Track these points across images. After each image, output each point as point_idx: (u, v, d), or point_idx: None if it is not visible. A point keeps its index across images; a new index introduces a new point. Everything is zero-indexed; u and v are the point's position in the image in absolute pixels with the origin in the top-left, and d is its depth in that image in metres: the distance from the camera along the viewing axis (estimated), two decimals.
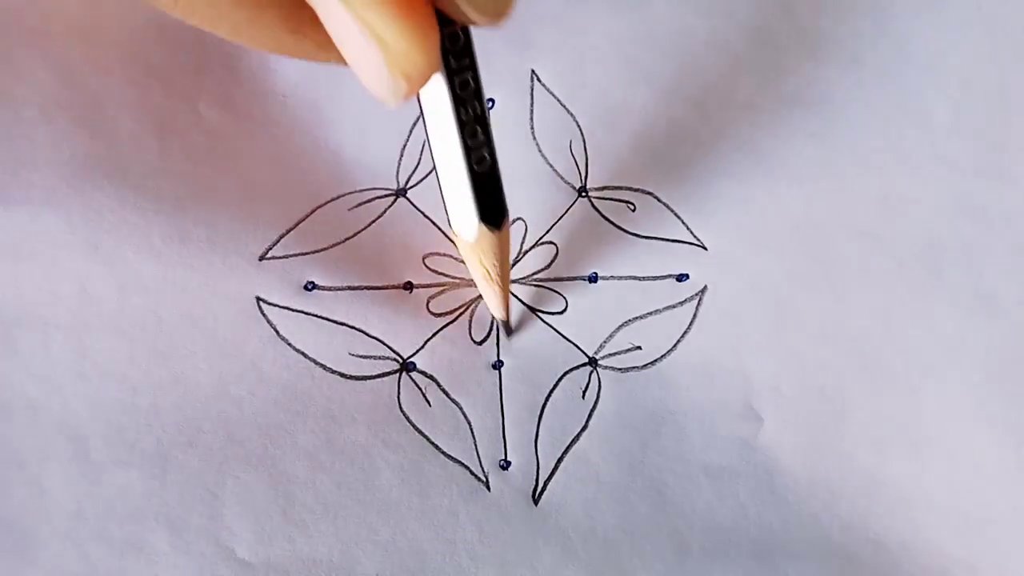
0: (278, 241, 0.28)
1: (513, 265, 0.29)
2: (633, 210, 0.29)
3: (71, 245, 0.27)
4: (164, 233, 0.27)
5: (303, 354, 0.27)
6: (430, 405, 0.27)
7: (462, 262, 0.29)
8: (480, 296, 0.28)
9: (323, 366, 0.27)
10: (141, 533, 0.25)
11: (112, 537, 0.25)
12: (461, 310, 0.29)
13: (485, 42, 0.30)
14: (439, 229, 0.29)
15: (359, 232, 0.29)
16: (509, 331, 0.28)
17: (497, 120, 0.30)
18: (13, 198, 0.27)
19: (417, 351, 0.28)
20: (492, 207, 0.23)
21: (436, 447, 0.27)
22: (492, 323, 0.29)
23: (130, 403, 0.26)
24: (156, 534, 0.25)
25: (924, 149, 0.30)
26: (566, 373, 0.28)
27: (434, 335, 0.28)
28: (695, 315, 0.29)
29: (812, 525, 0.27)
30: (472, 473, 0.27)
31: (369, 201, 0.29)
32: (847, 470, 0.27)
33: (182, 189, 0.28)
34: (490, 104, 0.30)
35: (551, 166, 0.30)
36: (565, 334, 0.28)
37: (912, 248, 0.29)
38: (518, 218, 0.29)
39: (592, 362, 0.28)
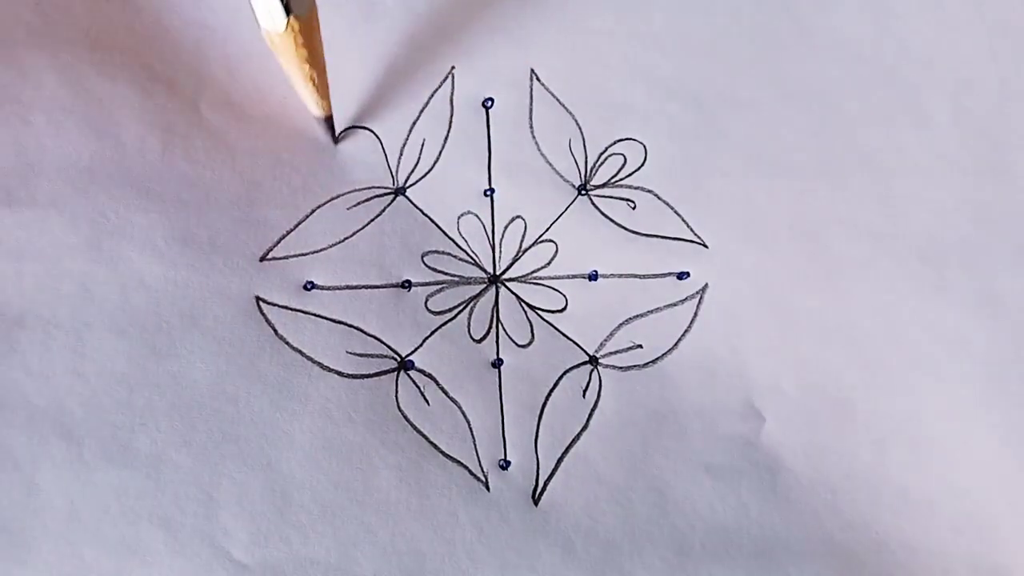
0: (279, 242, 0.27)
1: (513, 263, 0.28)
2: (633, 208, 0.28)
3: (74, 246, 0.26)
4: (166, 234, 0.26)
5: (301, 352, 0.26)
6: (428, 404, 0.26)
7: (462, 260, 0.27)
8: (480, 293, 0.27)
9: (321, 364, 0.26)
10: (136, 534, 0.24)
11: (106, 538, 0.24)
12: (460, 308, 0.27)
13: (485, 41, 0.29)
14: (438, 227, 0.28)
15: (358, 231, 0.27)
16: (334, 133, 0.27)
17: (497, 119, 0.28)
18: (18, 199, 0.26)
19: (415, 349, 0.27)
20: None
21: (435, 446, 0.26)
22: (492, 321, 0.27)
23: (126, 402, 0.25)
24: (151, 535, 0.24)
25: (924, 148, 0.28)
26: (566, 372, 0.27)
27: (432, 333, 0.27)
28: (696, 313, 0.27)
29: (814, 524, 0.25)
30: (471, 473, 0.26)
31: (368, 200, 0.28)
32: (849, 469, 0.26)
33: (184, 190, 0.27)
34: (490, 103, 0.29)
35: (551, 165, 0.28)
36: (565, 332, 0.27)
37: (912, 246, 0.28)
38: (517, 216, 0.28)
39: (593, 361, 0.27)
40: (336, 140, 0.28)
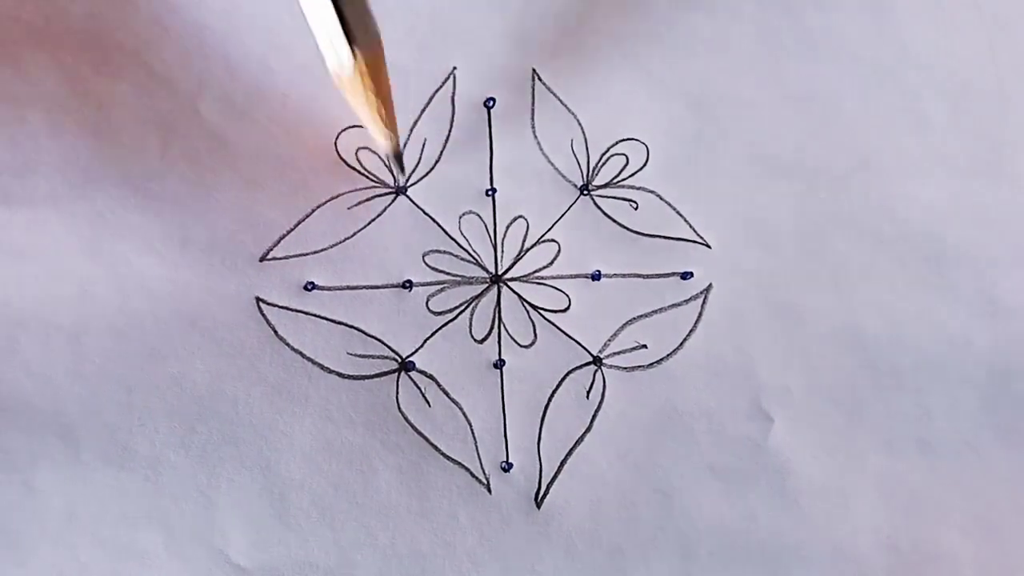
0: (278, 242, 0.27)
1: (514, 263, 0.27)
2: (636, 208, 0.27)
3: (73, 246, 0.26)
4: (165, 234, 0.26)
5: (301, 353, 0.26)
6: (429, 405, 0.26)
7: (464, 260, 0.27)
8: (482, 293, 0.27)
9: (321, 366, 0.26)
10: (134, 536, 0.24)
11: (104, 540, 0.24)
12: (461, 308, 0.27)
13: (486, 41, 0.29)
14: (439, 227, 0.28)
15: (359, 231, 0.27)
16: (402, 165, 0.27)
17: (498, 119, 0.28)
18: (16, 199, 0.26)
19: (416, 350, 0.26)
20: (362, 30, 0.22)
21: (436, 448, 0.25)
22: (494, 321, 0.27)
23: (125, 403, 0.25)
24: (149, 537, 0.24)
25: (924, 149, 0.28)
26: (569, 372, 0.26)
27: (433, 334, 0.26)
28: (700, 314, 0.27)
29: (824, 528, 0.25)
30: (473, 475, 0.25)
31: (369, 199, 0.27)
32: (859, 471, 0.26)
33: (183, 190, 0.27)
34: (491, 103, 0.28)
35: (552, 165, 0.28)
36: (568, 332, 0.27)
37: (913, 247, 0.27)
38: (519, 216, 0.28)
39: (596, 361, 0.26)
40: (404, 171, 0.27)
